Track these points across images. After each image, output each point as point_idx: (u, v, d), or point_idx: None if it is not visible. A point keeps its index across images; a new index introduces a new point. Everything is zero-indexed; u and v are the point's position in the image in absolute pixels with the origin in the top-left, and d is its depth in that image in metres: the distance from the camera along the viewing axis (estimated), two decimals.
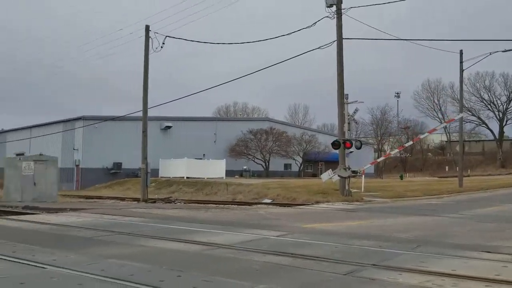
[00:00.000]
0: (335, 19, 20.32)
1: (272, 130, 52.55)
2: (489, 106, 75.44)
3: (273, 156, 52.15)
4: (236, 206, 19.08)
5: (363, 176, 23.96)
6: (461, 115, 33.83)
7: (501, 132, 77.10)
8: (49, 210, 15.09)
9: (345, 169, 19.62)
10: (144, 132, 23.76)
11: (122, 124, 41.46)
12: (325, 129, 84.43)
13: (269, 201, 22.41)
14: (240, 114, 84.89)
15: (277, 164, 53.50)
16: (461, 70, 30.91)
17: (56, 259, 5.81)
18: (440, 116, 78.68)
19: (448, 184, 33.23)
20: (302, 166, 56.47)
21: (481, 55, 28.41)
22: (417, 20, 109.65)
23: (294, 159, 54.52)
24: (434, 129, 33.16)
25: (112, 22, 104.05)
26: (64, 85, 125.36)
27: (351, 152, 26.70)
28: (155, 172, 36.85)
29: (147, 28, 23.78)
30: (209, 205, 19.81)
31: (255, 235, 8.63)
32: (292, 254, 6.53)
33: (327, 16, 20.20)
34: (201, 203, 21.93)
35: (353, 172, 20.22)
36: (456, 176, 38.44)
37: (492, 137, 77.76)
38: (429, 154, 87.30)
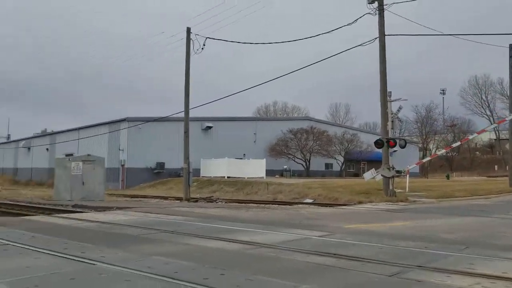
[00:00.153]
0: (377, 15, 19.93)
1: (312, 129, 52.14)
2: None
3: (314, 155, 51.73)
4: (277, 205, 19.08)
5: (407, 175, 23.36)
6: None
7: None
8: (97, 209, 15.62)
9: (388, 168, 19.19)
10: (186, 132, 24.19)
11: (165, 125, 42.36)
12: (367, 128, 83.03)
13: (310, 201, 22.27)
14: (280, 114, 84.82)
15: (318, 163, 53.05)
16: (511, 66, 29.55)
17: (104, 256, 6.01)
18: (488, 113, 75.65)
19: (497, 184, 31.88)
20: (343, 166, 55.70)
21: None
22: (463, 15, 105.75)
23: (335, 158, 53.86)
24: (484, 130, 31.77)
25: (151, 25, 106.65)
26: (109, 87, 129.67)
27: (394, 151, 26.13)
28: (197, 171, 37.42)
29: (188, 30, 24.19)
30: (250, 204, 19.92)
31: (297, 235, 8.60)
32: (335, 254, 6.46)
33: (368, 13, 19.84)
34: (241, 203, 22.09)
35: (397, 172, 19.75)
36: (506, 176, 36.82)
37: None
38: (477, 153, 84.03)
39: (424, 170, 65.63)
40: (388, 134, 19.86)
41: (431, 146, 73.95)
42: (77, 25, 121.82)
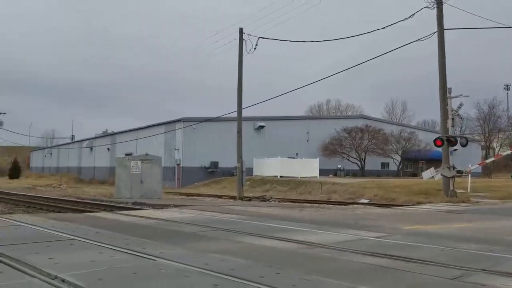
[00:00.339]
0: (435, 9, 19.19)
1: (367, 127, 51.03)
2: None
3: (369, 154, 50.60)
4: (331, 205, 18.87)
5: (469, 175, 22.33)
6: None
7: None
8: (155, 206, 16.15)
9: (449, 168, 18.43)
10: (239, 132, 24.46)
11: (218, 124, 43.08)
12: (426, 126, 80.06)
13: (366, 201, 21.84)
14: (333, 112, 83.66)
15: (373, 163, 51.86)
16: None
17: (163, 252, 6.21)
18: None
19: None
20: (400, 165, 54.04)
21: None
22: None
23: (392, 157, 52.36)
24: None
25: (203, 28, 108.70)
26: (165, 89, 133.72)
27: (455, 150, 25.08)
28: (250, 171, 37.76)
29: (241, 31, 24.44)
30: (304, 204, 19.82)
31: (353, 235, 8.46)
32: (392, 256, 6.30)
33: (426, 7, 19.15)
34: (295, 202, 22.03)
35: (458, 172, 18.92)
36: None
37: None
38: None
39: (487, 170, 62.29)
40: (448, 132, 19.08)
41: (494, 144, 70.06)
42: (134, 29, 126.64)
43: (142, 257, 5.91)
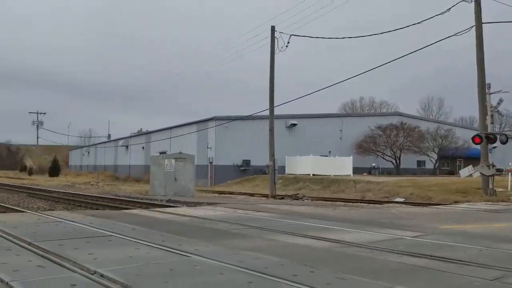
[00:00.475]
0: (473, 2, 18.59)
1: (402, 125, 49.96)
2: None
3: (405, 152, 49.54)
4: (366, 204, 18.61)
5: (509, 174, 21.55)
6: None
7: None
8: (188, 204, 16.37)
9: (488, 166, 17.85)
10: (271, 130, 24.45)
11: (250, 123, 43.20)
12: (463, 123, 77.76)
13: (401, 200, 21.43)
14: (367, 110, 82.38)
15: (409, 161, 50.76)
16: None
17: (198, 249, 6.28)
18: None
19: None
20: (437, 163, 52.66)
21: None
22: None
23: (428, 155, 51.07)
24: None
25: (234, 26, 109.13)
26: (197, 88, 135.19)
27: (494, 147, 24.24)
28: (282, 169, 37.71)
29: (273, 29, 24.42)
30: (337, 202, 19.63)
31: (388, 234, 8.32)
32: (430, 256, 6.15)
33: (463, 0, 18.57)
34: (328, 201, 21.86)
35: (498, 170, 18.30)
36: None
37: None
38: None
39: None
40: (487, 129, 18.46)
41: None
42: (168, 31, 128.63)
43: (178, 253, 6.01)
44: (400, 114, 57.01)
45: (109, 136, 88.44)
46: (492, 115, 18.66)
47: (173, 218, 10.90)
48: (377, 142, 49.17)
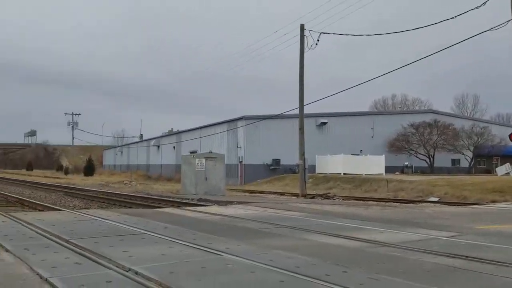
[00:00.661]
0: None
1: (436, 122, 48.77)
2: None
3: (438, 151, 48.36)
4: (399, 204, 18.28)
5: None
6: None
7: None
8: (219, 203, 16.48)
9: None
10: (301, 129, 24.30)
11: (280, 122, 43.12)
12: (500, 120, 75.23)
13: (435, 199, 20.95)
14: (400, 107, 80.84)
15: (443, 159, 49.53)
16: None
17: (229, 248, 6.32)
18: None
19: None
20: (473, 162, 51.15)
21: None
22: None
23: (463, 154, 49.69)
24: None
25: (264, 26, 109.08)
26: (226, 87, 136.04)
27: None
28: (312, 168, 37.48)
29: (302, 27, 24.25)
30: (369, 202, 19.37)
31: (422, 235, 8.14)
32: (466, 256, 5.98)
33: None
34: (360, 200, 21.59)
35: None
36: None
37: None
38: None
39: None
40: None
41: None
42: (199, 33, 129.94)
43: (209, 252, 6.06)
44: (434, 112, 55.70)
45: (141, 136, 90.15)
46: None
47: (204, 216, 11.01)
48: (410, 140, 48.20)
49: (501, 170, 18.95)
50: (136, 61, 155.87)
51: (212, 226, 9.17)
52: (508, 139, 17.86)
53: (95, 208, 16.29)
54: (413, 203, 18.49)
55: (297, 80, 24.57)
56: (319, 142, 43.66)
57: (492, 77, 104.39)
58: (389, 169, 41.30)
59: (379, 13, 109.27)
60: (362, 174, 36.63)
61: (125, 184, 40.10)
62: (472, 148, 49.88)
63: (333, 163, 40.72)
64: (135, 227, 8.51)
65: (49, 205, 17.22)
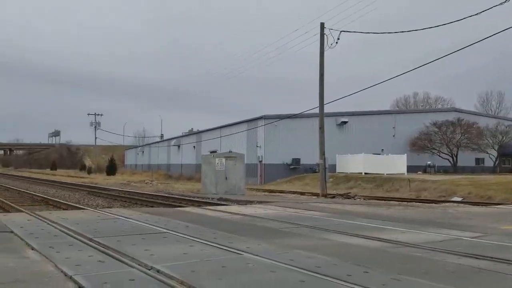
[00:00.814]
0: None
1: (459, 121, 47.85)
2: None
3: (462, 150, 47.44)
4: (421, 203, 18.02)
5: None
6: None
7: None
8: (239, 202, 16.53)
9: None
10: (321, 128, 24.15)
11: (299, 121, 42.94)
12: None
13: (458, 199, 20.58)
14: (422, 106, 79.61)
15: (466, 158, 48.58)
16: None
17: (249, 247, 6.33)
18: None
19: None
20: (497, 161, 50.03)
21: None
22: None
23: (487, 153, 48.65)
24: None
25: (282, 25, 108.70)
26: (245, 87, 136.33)
27: None
28: (332, 167, 37.21)
29: (322, 26, 24.10)
30: (391, 202, 19.14)
31: (445, 235, 8.01)
32: (491, 257, 5.86)
33: None
34: (381, 200, 21.35)
35: None
36: None
37: None
38: None
39: None
40: None
41: None
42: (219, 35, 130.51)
43: (230, 251, 6.08)
44: (457, 110, 54.70)
45: (161, 136, 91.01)
46: None
47: (225, 216, 11.05)
48: (432, 139, 47.42)
49: None
50: (156, 62, 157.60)
51: (233, 226, 9.19)
52: None
53: (117, 207, 16.51)
54: (435, 203, 18.20)
55: (317, 79, 24.43)
56: (339, 141, 43.33)
57: None
58: (411, 169, 40.74)
59: (396, 11, 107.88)
60: (383, 174, 36.22)
61: (146, 183, 40.59)
62: (496, 147, 48.82)
63: (354, 163, 40.36)
64: (156, 226, 8.60)
65: (72, 204, 17.55)
